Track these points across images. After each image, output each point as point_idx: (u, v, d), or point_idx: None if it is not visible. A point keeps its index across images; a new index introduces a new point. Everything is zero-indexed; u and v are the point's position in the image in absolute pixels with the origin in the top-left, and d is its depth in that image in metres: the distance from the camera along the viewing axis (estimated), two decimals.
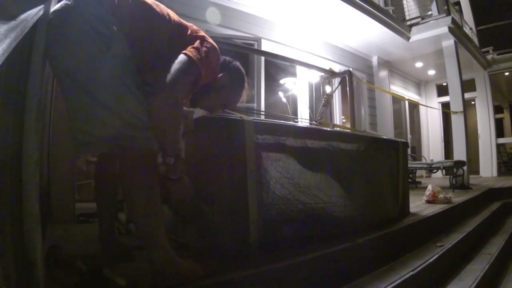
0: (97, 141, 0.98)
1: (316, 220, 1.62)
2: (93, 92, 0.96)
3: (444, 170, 4.53)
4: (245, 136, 1.37)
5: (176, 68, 1.07)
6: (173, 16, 1.22)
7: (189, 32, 1.22)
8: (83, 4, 0.99)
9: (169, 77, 1.05)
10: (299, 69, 5.06)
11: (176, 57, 1.10)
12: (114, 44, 0.99)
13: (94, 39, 0.97)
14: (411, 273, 1.50)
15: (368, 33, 5.44)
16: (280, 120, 3.59)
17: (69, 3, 0.99)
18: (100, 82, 0.96)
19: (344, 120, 5.97)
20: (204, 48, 1.17)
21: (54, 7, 1.01)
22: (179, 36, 1.19)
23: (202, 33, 1.25)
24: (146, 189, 1.01)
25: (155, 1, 1.18)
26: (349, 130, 3.18)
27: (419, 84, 8.38)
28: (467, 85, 6.62)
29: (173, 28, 1.19)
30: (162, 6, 1.20)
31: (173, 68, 1.07)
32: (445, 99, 7.13)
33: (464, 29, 6.43)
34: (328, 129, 2.51)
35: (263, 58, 4.51)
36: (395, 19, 5.46)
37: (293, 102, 5.19)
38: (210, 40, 1.24)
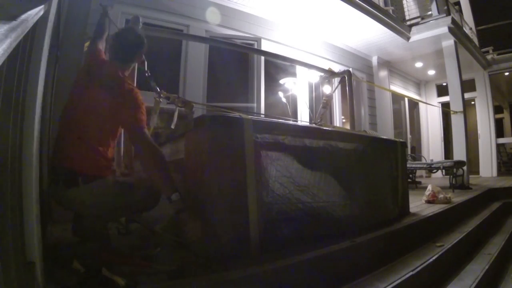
0: None
1: (316, 219, 1.62)
2: None
3: (444, 170, 4.52)
4: (244, 134, 1.37)
5: None
6: None
7: None
8: None
9: None
10: (299, 69, 5.06)
11: None
12: None
13: None
14: (411, 273, 1.50)
15: (368, 33, 5.44)
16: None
17: None
18: None
19: (344, 120, 5.97)
20: None
21: None
22: None
23: None
24: None
25: None
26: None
27: (419, 84, 8.38)
28: (467, 85, 6.62)
29: None
30: None
31: None
32: (445, 99, 7.12)
33: (464, 29, 6.43)
34: (327, 128, 2.51)
35: (263, 58, 4.50)
36: (395, 19, 5.46)
37: (293, 102, 5.19)
38: None
